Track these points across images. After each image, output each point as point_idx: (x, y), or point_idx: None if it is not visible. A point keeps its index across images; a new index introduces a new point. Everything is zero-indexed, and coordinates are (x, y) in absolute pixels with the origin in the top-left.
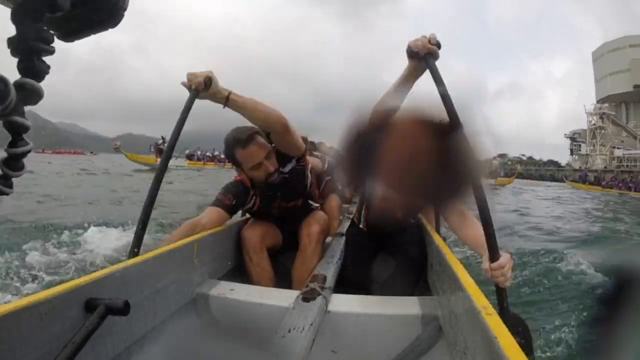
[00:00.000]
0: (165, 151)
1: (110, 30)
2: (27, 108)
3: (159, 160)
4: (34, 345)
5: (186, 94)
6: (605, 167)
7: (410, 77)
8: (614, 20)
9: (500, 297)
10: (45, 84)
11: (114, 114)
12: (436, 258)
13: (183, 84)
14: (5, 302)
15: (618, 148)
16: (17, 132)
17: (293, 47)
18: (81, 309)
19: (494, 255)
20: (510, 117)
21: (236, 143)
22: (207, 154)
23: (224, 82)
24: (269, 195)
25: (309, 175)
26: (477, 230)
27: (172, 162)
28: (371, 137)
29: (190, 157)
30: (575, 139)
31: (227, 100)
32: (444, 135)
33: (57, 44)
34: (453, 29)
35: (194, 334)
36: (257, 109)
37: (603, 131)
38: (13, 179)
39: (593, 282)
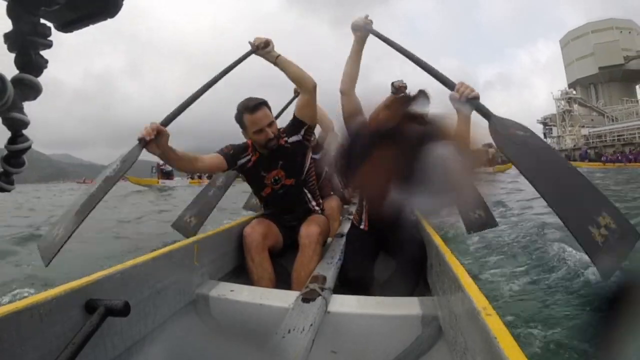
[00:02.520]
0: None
1: (109, 20)
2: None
3: (161, 181)
4: (34, 346)
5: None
6: (575, 145)
7: (359, 45)
8: (597, 1)
9: (483, 109)
10: (34, 115)
11: (107, 141)
12: (436, 258)
13: (250, 42)
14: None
15: (585, 127)
16: (17, 129)
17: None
18: (81, 310)
19: (451, 85)
20: (500, 107)
21: (245, 109)
22: None
23: (216, 97)
24: (270, 160)
25: (309, 157)
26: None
27: (174, 183)
28: (354, 137)
29: (192, 177)
30: (546, 123)
31: (276, 59)
32: (407, 104)
33: (55, 38)
34: (442, 28)
35: (194, 334)
36: (297, 68)
37: (571, 114)
38: (13, 176)
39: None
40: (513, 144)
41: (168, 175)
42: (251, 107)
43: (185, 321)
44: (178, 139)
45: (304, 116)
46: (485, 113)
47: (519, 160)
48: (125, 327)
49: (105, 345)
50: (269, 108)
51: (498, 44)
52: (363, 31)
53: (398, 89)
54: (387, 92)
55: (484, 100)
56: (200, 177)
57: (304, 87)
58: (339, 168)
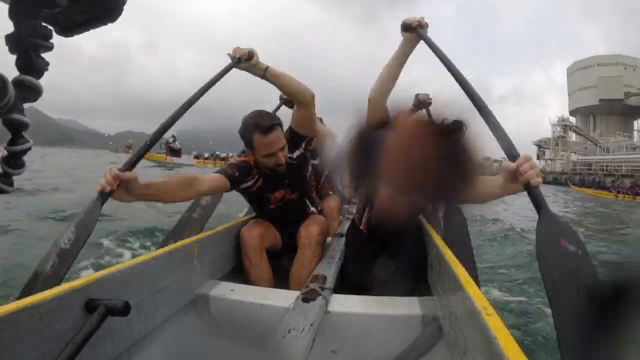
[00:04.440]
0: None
1: (110, 25)
2: (28, 103)
3: (169, 158)
4: (34, 346)
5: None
6: (562, 170)
7: (406, 48)
8: (618, 29)
9: (537, 198)
10: (45, 79)
11: (114, 110)
12: (436, 258)
13: (228, 54)
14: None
15: (575, 153)
16: (17, 130)
17: (304, 48)
18: (81, 310)
19: (514, 155)
20: (511, 121)
21: (257, 128)
22: (217, 153)
23: (232, 82)
24: (276, 180)
25: (309, 167)
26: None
27: (181, 160)
28: (372, 136)
29: (197, 157)
30: (540, 146)
31: (265, 71)
32: (447, 135)
33: (57, 39)
34: (460, 35)
35: (194, 334)
36: (291, 80)
37: (565, 140)
38: (14, 177)
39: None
40: (555, 259)
41: (177, 153)
42: (264, 128)
43: (185, 321)
44: (194, 118)
45: (303, 129)
46: (537, 204)
47: (552, 279)
48: (125, 327)
49: (105, 345)
50: (283, 129)
51: (514, 57)
52: (415, 35)
53: (421, 103)
54: (410, 99)
55: (497, 113)
56: (206, 159)
57: (301, 101)
58: (350, 161)
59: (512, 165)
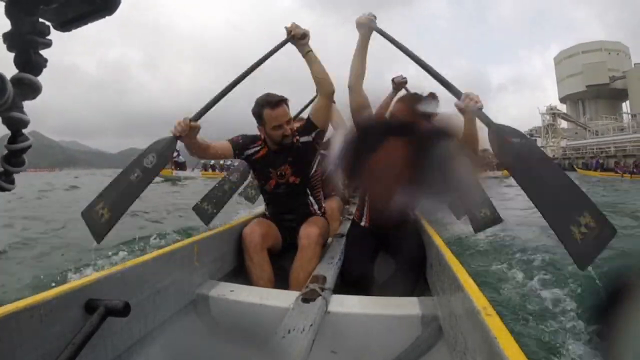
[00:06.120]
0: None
1: (107, 17)
2: (30, 127)
3: (175, 172)
4: (34, 346)
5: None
6: (554, 155)
7: (364, 42)
8: (613, 12)
9: (484, 119)
10: (44, 103)
11: (115, 129)
12: (436, 258)
13: (286, 27)
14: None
15: (566, 139)
16: (17, 128)
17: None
18: (81, 310)
19: (457, 93)
20: (511, 110)
21: (266, 104)
22: (221, 162)
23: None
24: (279, 155)
25: (317, 160)
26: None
27: (187, 174)
28: (362, 138)
29: (205, 168)
30: (532, 134)
31: (307, 53)
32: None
33: (55, 43)
34: (456, 28)
35: (194, 335)
36: (324, 69)
37: (554, 127)
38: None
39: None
40: (507, 152)
41: (182, 166)
42: (273, 103)
43: (185, 321)
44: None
45: (317, 120)
46: (486, 122)
47: (512, 167)
48: (125, 327)
49: (105, 345)
50: (288, 106)
51: (511, 45)
52: (367, 29)
53: (398, 84)
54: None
55: (497, 102)
56: (213, 170)
57: (323, 90)
58: (343, 161)
59: (459, 102)
